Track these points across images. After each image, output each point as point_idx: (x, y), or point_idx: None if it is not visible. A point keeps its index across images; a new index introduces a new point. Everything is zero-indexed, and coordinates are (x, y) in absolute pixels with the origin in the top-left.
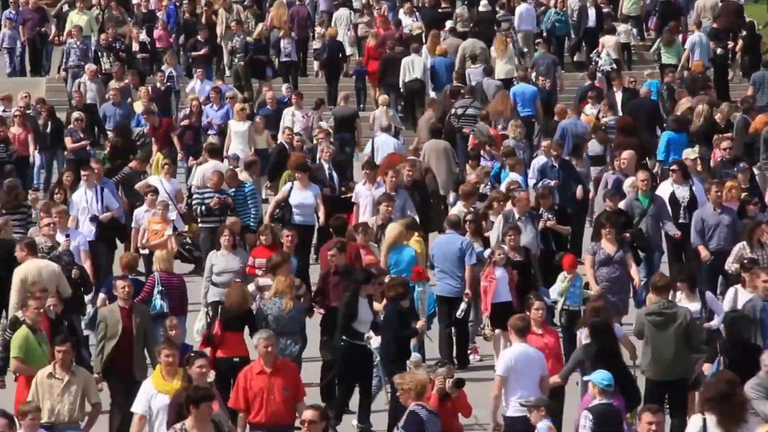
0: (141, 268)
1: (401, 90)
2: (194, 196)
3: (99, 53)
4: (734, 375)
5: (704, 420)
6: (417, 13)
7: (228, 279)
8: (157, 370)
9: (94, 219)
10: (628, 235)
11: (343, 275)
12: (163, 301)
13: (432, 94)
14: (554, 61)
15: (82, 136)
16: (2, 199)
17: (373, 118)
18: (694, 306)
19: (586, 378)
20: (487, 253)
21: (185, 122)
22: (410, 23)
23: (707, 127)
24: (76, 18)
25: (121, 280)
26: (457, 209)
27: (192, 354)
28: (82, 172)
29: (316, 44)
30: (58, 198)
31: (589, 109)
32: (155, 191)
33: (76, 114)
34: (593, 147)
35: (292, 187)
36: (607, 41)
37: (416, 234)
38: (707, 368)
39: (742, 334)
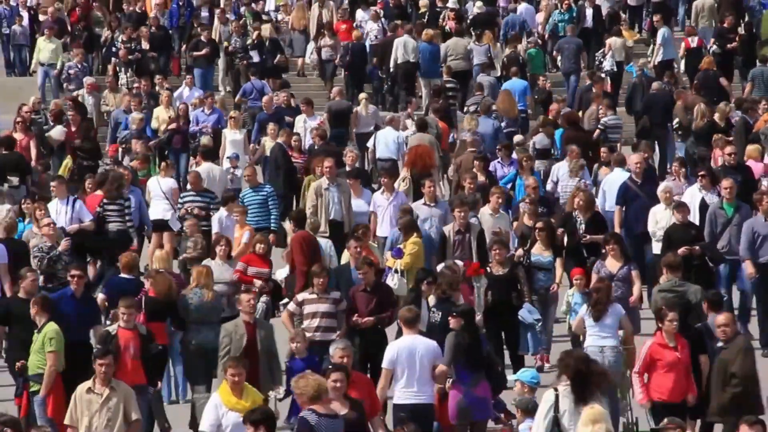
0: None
1: (391, 71)
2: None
3: (117, 67)
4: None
5: (556, 396)
6: (383, 19)
7: (220, 288)
8: (225, 386)
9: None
10: (698, 247)
11: (373, 292)
12: None
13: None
14: (578, 45)
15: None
16: (105, 188)
17: (355, 113)
18: None
19: (514, 377)
20: (440, 267)
21: (172, 126)
22: (376, 28)
23: (707, 127)
24: (43, 45)
25: (246, 293)
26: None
27: (330, 366)
28: (51, 184)
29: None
30: (39, 214)
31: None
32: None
33: (135, 114)
34: (540, 140)
35: None
36: (614, 43)
37: (415, 234)
38: None
39: (684, 320)
